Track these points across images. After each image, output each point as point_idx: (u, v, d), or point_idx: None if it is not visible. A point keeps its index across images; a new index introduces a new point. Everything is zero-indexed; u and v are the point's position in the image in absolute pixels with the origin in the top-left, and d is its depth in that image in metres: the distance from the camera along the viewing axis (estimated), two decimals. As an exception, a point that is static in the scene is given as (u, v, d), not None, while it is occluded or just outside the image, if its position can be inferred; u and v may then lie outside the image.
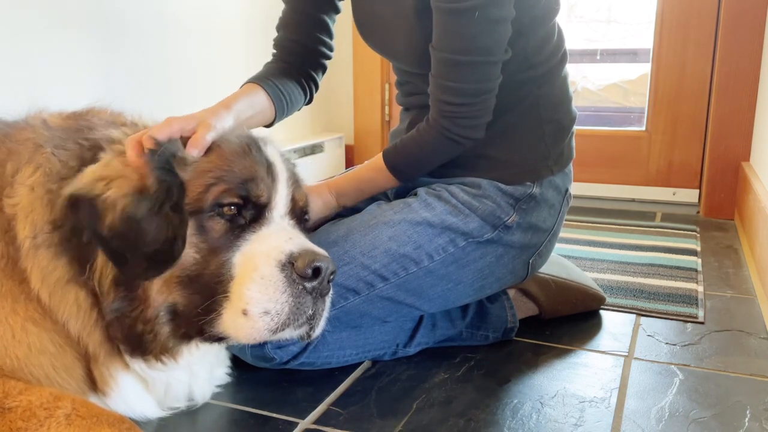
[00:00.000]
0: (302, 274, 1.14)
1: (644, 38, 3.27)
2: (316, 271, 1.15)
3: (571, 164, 1.67)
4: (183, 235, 1.14)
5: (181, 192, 1.15)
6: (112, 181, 1.13)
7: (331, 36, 1.77)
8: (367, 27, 1.66)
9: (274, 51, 1.76)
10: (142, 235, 1.10)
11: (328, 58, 1.79)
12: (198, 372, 1.32)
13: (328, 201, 1.60)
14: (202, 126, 1.24)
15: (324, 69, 1.80)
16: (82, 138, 1.23)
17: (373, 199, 1.70)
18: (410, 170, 1.57)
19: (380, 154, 1.58)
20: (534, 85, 1.56)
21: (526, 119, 1.57)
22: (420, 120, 1.57)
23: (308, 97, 1.78)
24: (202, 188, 1.16)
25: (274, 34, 1.77)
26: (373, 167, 1.59)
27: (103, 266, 1.14)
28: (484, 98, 1.46)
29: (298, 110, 1.78)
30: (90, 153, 1.20)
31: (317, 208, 1.58)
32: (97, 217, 1.11)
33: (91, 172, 1.15)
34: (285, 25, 1.74)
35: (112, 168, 1.15)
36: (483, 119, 1.49)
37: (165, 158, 1.15)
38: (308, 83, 1.76)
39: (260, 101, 1.60)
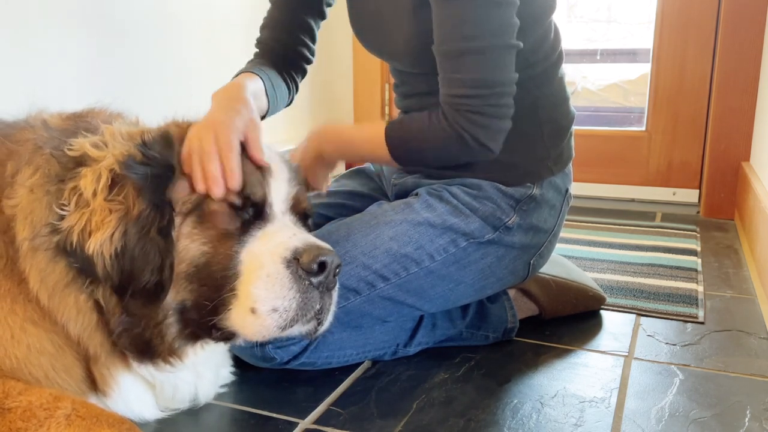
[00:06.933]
0: (308, 269, 1.14)
1: (644, 38, 3.27)
2: (322, 266, 1.15)
3: (570, 164, 1.67)
4: (171, 261, 1.13)
5: (170, 214, 1.14)
6: (94, 227, 1.10)
7: (314, 41, 1.74)
8: (363, 26, 1.65)
9: (257, 50, 1.73)
10: (135, 265, 1.10)
11: (310, 62, 1.76)
12: (204, 373, 1.33)
13: (313, 142, 1.56)
14: (252, 128, 1.26)
15: (304, 74, 1.76)
16: None
17: (373, 199, 1.70)
18: (408, 155, 1.50)
19: (383, 127, 1.50)
20: (532, 85, 1.56)
21: (525, 120, 1.55)
22: None
23: (290, 98, 1.75)
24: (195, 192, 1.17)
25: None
26: (372, 137, 1.51)
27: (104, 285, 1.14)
28: (499, 92, 1.38)
29: (281, 109, 1.74)
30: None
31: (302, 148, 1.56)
32: (90, 266, 1.10)
33: (71, 219, 1.11)
34: (271, 25, 1.71)
35: (90, 214, 1.11)
36: (498, 121, 1.41)
37: (155, 174, 1.14)
38: (292, 84, 1.73)
39: (261, 91, 1.56)
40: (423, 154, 1.50)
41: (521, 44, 1.41)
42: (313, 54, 1.76)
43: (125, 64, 2.24)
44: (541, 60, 1.56)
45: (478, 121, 1.40)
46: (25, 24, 1.89)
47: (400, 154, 1.50)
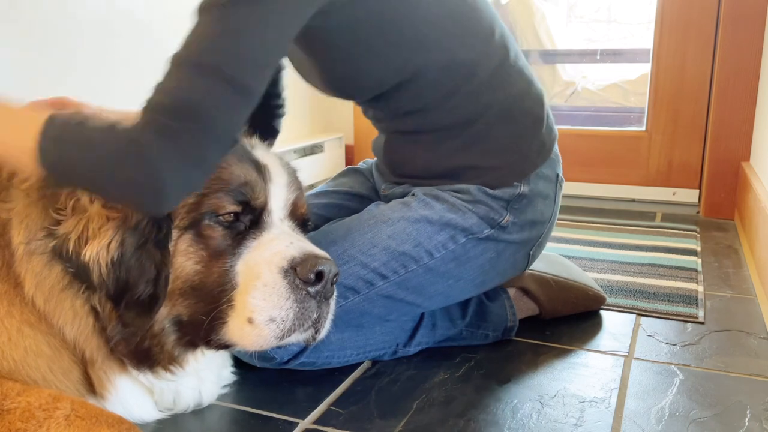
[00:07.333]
0: (305, 279, 1.14)
1: (644, 38, 3.28)
2: (319, 276, 1.15)
3: (555, 147, 1.61)
4: (166, 274, 1.13)
5: (168, 226, 1.14)
6: (91, 235, 1.10)
7: (280, 89, 1.71)
8: (302, 73, 1.62)
9: None
10: (130, 275, 1.10)
11: (281, 106, 1.74)
12: (206, 377, 1.33)
13: None
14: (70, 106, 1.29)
15: (281, 117, 1.75)
16: None
17: (370, 199, 1.70)
18: (61, 161, 1.10)
19: (38, 125, 1.09)
20: (497, 85, 1.50)
21: (498, 123, 1.52)
22: (395, 143, 1.59)
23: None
24: (194, 199, 1.16)
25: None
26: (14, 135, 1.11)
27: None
28: (204, 129, 1.10)
29: None
30: None
31: None
32: (85, 273, 1.10)
33: (68, 225, 1.10)
34: None
35: (87, 221, 1.10)
36: (186, 165, 1.09)
37: None
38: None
39: None
40: (79, 161, 1.10)
41: (255, 96, 1.16)
42: (282, 101, 1.73)
43: (125, 64, 2.24)
44: (483, 59, 1.49)
45: (155, 140, 1.08)
46: (26, 25, 1.89)
47: (55, 165, 1.10)
